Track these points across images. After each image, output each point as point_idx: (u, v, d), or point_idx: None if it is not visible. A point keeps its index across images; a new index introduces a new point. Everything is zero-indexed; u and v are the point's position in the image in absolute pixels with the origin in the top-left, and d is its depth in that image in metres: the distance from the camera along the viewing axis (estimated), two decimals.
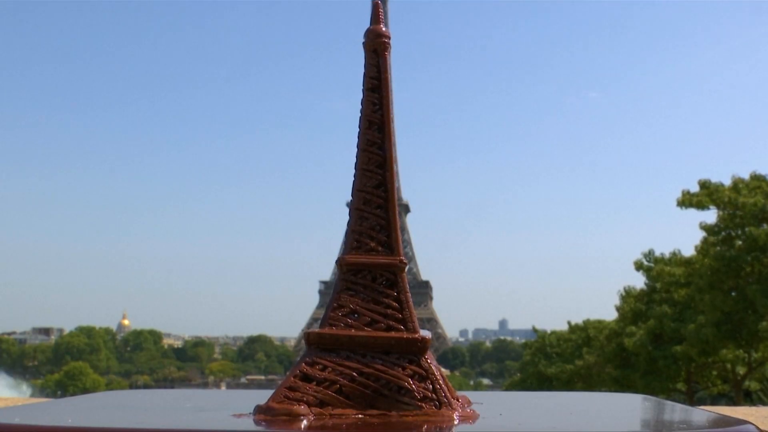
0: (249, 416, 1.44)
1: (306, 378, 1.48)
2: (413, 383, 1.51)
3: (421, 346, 1.51)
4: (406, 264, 1.62)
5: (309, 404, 1.43)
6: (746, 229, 18.76)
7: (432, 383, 1.53)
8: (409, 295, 1.58)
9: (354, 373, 1.48)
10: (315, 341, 1.49)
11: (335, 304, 1.57)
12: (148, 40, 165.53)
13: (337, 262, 1.61)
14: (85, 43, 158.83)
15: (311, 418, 1.36)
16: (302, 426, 1.33)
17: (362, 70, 1.95)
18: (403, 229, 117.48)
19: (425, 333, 1.61)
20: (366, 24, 2.12)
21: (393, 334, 1.53)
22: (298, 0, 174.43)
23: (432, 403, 1.50)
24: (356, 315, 1.55)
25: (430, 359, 1.55)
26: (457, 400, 1.64)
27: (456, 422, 1.44)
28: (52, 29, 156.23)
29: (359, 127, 1.83)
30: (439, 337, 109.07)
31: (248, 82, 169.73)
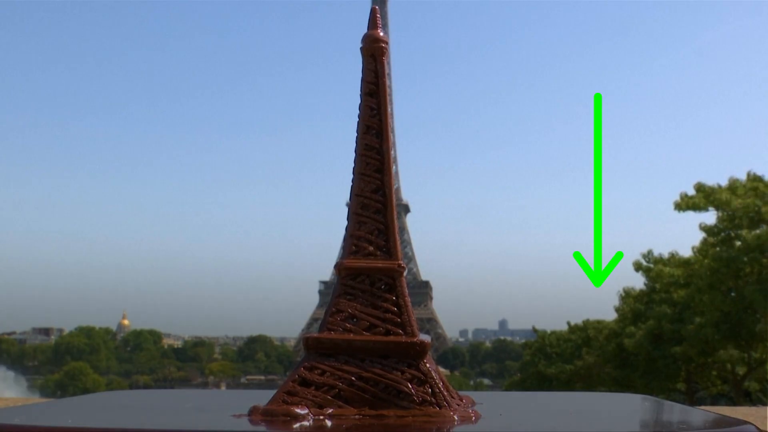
0: (245, 417, 1.44)
1: (304, 382, 1.48)
2: (412, 387, 1.51)
3: (420, 349, 1.51)
4: (404, 268, 1.61)
5: (307, 407, 1.43)
6: (742, 230, 18.78)
7: (431, 387, 1.53)
8: (408, 299, 1.58)
9: (352, 378, 1.48)
10: (313, 346, 1.49)
11: (333, 309, 1.56)
12: (148, 43, 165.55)
13: (335, 266, 1.61)
14: (87, 46, 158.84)
15: (310, 419, 1.36)
16: (301, 427, 1.33)
17: (360, 73, 1.94)
18: (403, 229, 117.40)
19: (424, 337, 1.61)
20: (363, 25, 2.12)
21: (391, 338, 1.53)
22: (297, 3, 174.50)
23: (431, 407, 1.50)
24: (355, 320, 1.55)
25: (429, 363, 1.55)
26: (461, 400, 1.64)
27: (456, 422, 1.44)
28: (56, 33, 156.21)
29: (357, 131, 1.83)
30: (439, 337, 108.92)
31: (248, 84, 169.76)
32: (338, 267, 1.60)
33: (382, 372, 1.50)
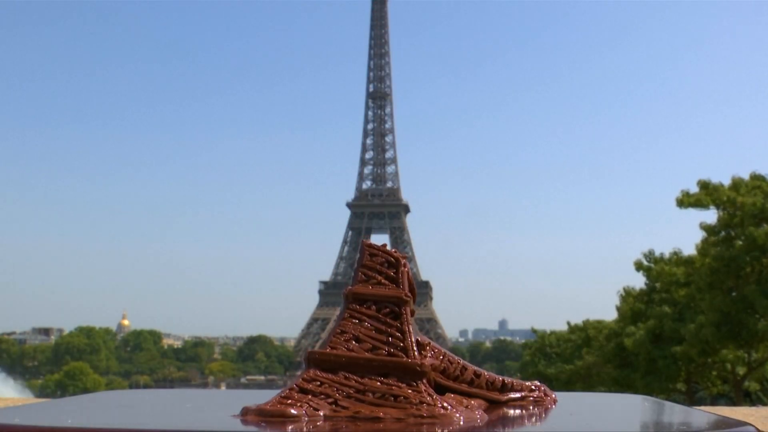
0: (239, 417, 1.43)
1: (303, 391, 1.47)
2: (411, 392, 1.51)
3: (420, 371, 1.50)
4: (410, 298, 1.61)
5: (303, 409, 1.42)
6: (746, 229, 18.75)
7: (429, 395, 1.53)
8: (412, 328, 1.58)
9: (351, 390, 1.47)
10: (315, 361, 1.49)
11: (338, 330, 1.56)
12: (149, 46, 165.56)
13: (343, 293, 1.61)
14: (88, 48, 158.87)
15: (304, 419, 1.35)
16: (295, 427, 1.32)
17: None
18: (403, 229, 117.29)
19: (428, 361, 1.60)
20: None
21: (393, 358, 1.52)
22: (296, 3, 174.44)
23: (433, 408, 1.50)
24: (358, 341, 1.55)
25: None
26: (471, 402, 1.63)
27: (461, 423, 1.43)
28: (60, 36, 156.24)
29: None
30: (439, 337, 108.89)
31: (248, 86, 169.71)
32: (346, 293, 1.60)
33: (381, 386, 1.50)
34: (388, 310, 1.62)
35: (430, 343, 1.68)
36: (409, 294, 1.64)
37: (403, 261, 1.69)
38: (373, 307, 1.59)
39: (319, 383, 1.47)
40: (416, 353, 1.56)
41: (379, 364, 1.52)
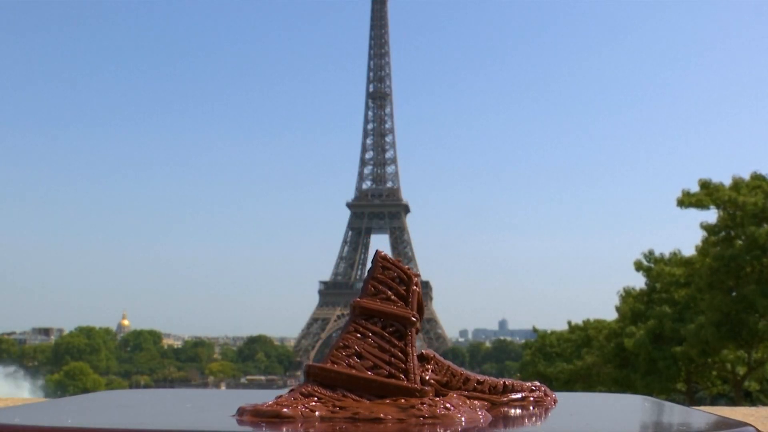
0: (236, 417, 1.43)
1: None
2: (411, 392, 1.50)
3: (420, 396, 1.49)
4: (418, 320, 1.60)
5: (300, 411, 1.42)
6: (747, 228, 18.73)
7: (430, 399, 1.53)
8: (416, 350, 1.57)
9: (347, 411, 1.47)
10: (314, 375, 1.48)
11: (341, 344, 1.55)
12: (149, 47, 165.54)
13: (351, 304, 1.60)
14: (87, 49, 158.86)
15: (302, 420, 1.35)
16: (294, 427, 1.32)
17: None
18: (403, 229, 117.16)
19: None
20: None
21: (392, 380, 1.51)
22: (294, 4, 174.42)
23: (435, 408, 1.50)
24: (360, 358, 1.54)
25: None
26: (476, 403, 1.62)
27: (462, 423, 1.43)
28: (60, 37, 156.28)
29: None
30: (439, 337, 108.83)
31: (248, 87, 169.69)
32: (353, 305, 1.58)
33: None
34: (393, 328, 1.59)
35: (434, 356, 1.66)
36: (416, 315, 1.62)
37: (415, 279, 1.67)
38: (379, 323, 1.57)
39: (316, 399, 1.46)
40: (417, 377, 1.54)
41: (378, 386, 1.51)
